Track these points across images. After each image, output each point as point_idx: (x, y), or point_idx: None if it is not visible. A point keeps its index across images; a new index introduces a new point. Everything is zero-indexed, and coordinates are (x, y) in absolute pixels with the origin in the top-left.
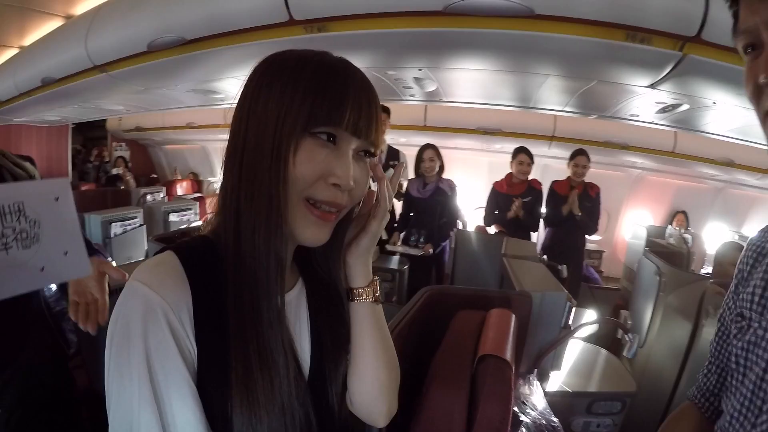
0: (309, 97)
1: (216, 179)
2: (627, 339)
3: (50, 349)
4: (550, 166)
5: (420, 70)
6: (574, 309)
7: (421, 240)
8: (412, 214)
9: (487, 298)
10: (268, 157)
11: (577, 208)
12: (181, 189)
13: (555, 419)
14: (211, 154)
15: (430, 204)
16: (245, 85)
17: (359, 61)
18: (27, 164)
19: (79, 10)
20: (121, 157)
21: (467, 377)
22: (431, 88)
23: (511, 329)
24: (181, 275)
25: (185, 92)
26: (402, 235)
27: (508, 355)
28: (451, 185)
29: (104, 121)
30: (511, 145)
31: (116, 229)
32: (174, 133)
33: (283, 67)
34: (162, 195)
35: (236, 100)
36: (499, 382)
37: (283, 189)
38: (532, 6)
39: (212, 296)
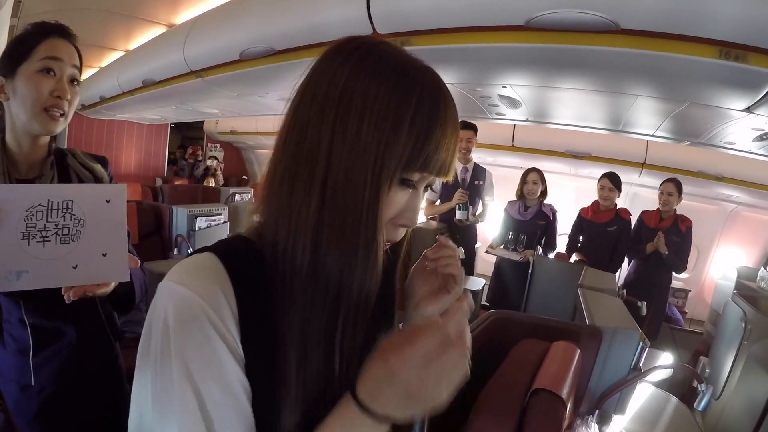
0: (413, 138)
1: None
2: (700, 389)
3: (97, 333)
4: (639, 195)
5: (504, 87)
6: (647, 350)
7: (521, 245)
8: (511, 235)
9: (554, 329)
10: (364, 194)
11: (663, 248)
12: None
13: None
14: None
15: (530, 227)
16: (322, 70)
17: (443, 77)
18: (96, 166)
19: (179, 19)
20: (213, 156)
21: (517, 410)
22: (518, 107)
23: (573, 364)
24: (224, 277)
25: (276, 100)
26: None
27: (565, 392)
28: (552, 210)
29: (202, 123)
30: (600, 171)
31: (201, 223)
32: (266, 138)
33: (386, 74)
34: (249, 195)
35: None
36: (549, 420)
37: (379, 234)
38: (617, 20)
39: (260, 304)
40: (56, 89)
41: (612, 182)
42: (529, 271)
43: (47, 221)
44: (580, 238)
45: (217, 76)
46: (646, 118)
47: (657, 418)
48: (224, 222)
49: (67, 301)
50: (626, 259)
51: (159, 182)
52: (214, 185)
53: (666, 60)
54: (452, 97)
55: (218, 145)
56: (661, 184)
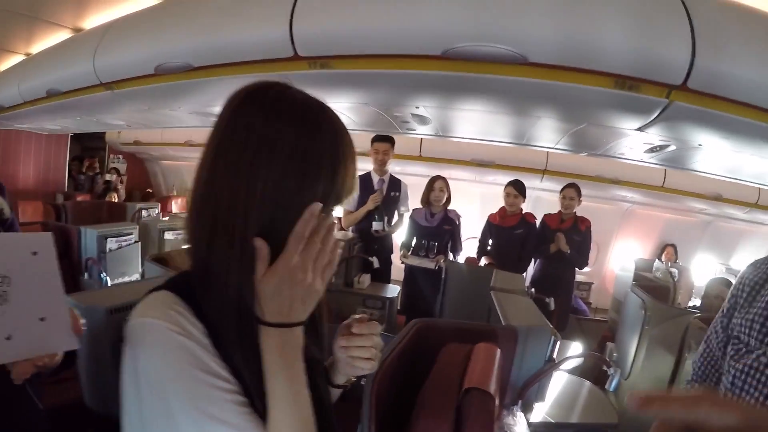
0: (325, 182)
1: None
2: (610, 372)
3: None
4: (542, 198)
5: (417, 108)
6: (558, 343)
7: (432, 251)
8: (415, 241)
9: (474, 332)
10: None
11: (564, 246)
12: (176, 206)
13: None
14: None
15: (438, 232)
16: (232, 122)
17: (359, 97)
18: None
19: (87, 24)
20: (114, 168)
21: (452, 409)
22: (428, 124)
23: (496, 363)
24: (187, 310)
25: (188, 113)
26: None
27: (492, 388)
28: (457, 215)
29: (103, 132)
30: (504, 178)
31: (111, 244)
32: (172, 150)
33: (288, 123)
34: (157, 211)
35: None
36: (482, 415)
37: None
38: (525, 54)
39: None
40: None
41: (517, 189)
42: (443, 276)
43: None
44: (490, 241)
45: (129, 89)
46: (548, 134)
47: (574, 401)
48: (135, 242)
49: (16, 383)
50: (532, 259)
51: (60, 198)
52: (116, 200)
53: (568, 89)
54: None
55: (121, 156)
56: (562, 190)
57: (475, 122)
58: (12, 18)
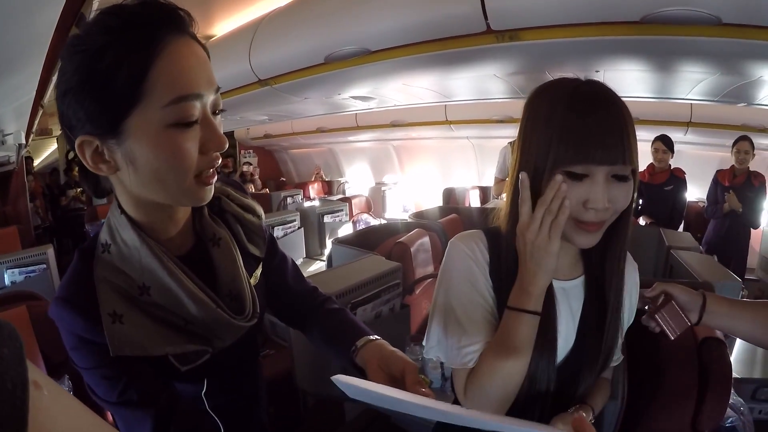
0: (555, 143)
1: (344, 180)
2: None
3: None
4: (683, 152)
5: (597, 72)
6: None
7: None
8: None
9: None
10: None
11: (737, 204)
12: (313, 190)
13: (740, 399)
14: (338, 155)
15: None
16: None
17: (557, 70)
18: (255, 205)
19: (217, 30)
20: (247, 162)
21: (696, 359)
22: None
23: None
24: (485, 245)
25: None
26: None
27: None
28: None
29: (232, 130)
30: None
31: (278, 232)
32: (303, 138)
33: (541, 103)
34: (300, 197)
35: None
36: (721, 360)
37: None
38: (719, 15)
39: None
40: (209, 144)
41: (665, 144)
42: None
43: None
44: (640, 200)
45: (291, 82)
46: (714, 89)
47: (753, 357)
48: (299, 228)
49: None
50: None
51: None
52: (253, 191)
53: (755, 46)
54: (609, 97)
55: (251, 151)
56: (734, 143)
57: (648, 81)
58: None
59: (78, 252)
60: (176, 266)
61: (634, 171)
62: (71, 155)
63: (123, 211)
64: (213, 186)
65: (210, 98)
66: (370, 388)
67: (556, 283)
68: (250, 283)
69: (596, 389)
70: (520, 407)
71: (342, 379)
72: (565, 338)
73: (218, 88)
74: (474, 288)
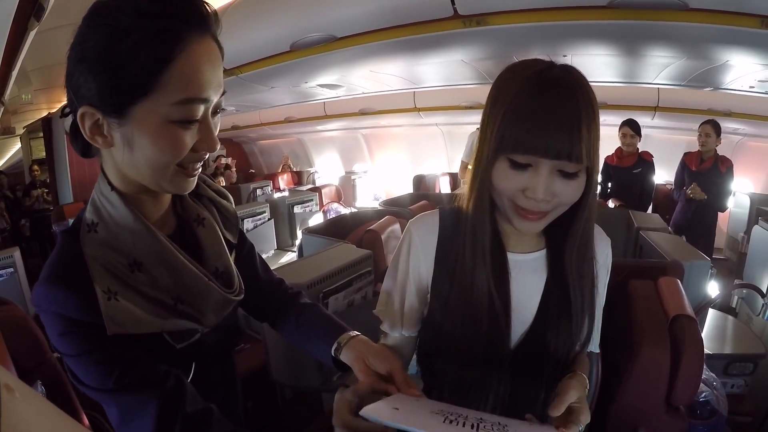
0: (502, 128)
1: (314, 170)
2: (763, 303)
3: None
4: (651, 136)
5: (564, 56)
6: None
7: None
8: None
9: (649, 269)
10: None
11: (700, 195)
12: (282, 182)
13: (713, 374)
14: (307, 145)
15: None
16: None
17: (524, 55)
18: (227, 193)
19: None
20: (220, 155)
21: (667, 336)
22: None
23: (683, 293)
24: (437, 224)
25: (311, 87)
26: None
27: (691, 313)
28: None
29: None
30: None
31: (248, 225)
32: (271, 129)
33: (501, 84)
34: (270, 188)
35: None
36: (693, 337)
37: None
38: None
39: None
40: (203, 144)
41: (632, 129)
42: None
43: None
44: (609, 184)
45: (258, 71)
46: (679, 73)
47: (722, 334)
48: (269, 219)
49: None
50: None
51: None
52: (224, 184)
53: (720, 31)
54: (568, 85)
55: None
56: (700, 126)
57: (615, 66)
58: None
59: (62, 234)
60: (169, 242)
61: (589, 168)
62: (66, 111)
63: (114, 188)
64: (196, 178)
65: (215, 101)
66: (401, 424)
67: (511, 256)
68: (232, 261)
69: (577, 365)
70: (479, 380)
71: (371, 414)
72: (523, 310)
73: (224, 92)
74: (414, 285)
